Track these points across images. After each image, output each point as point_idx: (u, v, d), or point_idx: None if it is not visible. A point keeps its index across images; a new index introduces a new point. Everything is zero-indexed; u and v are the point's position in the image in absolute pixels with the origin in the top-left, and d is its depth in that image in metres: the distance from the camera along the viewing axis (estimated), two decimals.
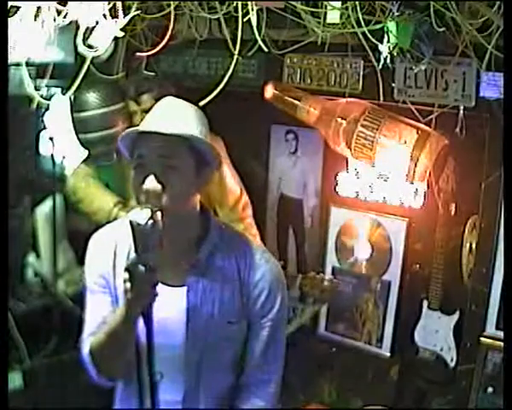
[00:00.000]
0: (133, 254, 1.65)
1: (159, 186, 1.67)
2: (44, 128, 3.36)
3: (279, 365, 1.88)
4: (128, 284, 1.59)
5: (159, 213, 1.62)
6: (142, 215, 1.60)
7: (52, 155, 3.25)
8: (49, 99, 3.11)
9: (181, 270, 1.78)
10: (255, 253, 1.83)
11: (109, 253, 1.83)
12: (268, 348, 1.83)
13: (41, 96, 2.98)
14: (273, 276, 1.82)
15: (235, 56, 2.50)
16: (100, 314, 1.81)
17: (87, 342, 1.82)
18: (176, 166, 1.68)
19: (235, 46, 2.48)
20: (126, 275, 1.60)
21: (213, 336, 1.77)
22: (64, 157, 3.29)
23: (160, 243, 1.62)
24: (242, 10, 2.38)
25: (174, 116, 1.73)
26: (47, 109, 3.30)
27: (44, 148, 3.34)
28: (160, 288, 1.69)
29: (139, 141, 1.71)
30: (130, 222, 1.59)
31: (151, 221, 1.59)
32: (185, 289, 1.77)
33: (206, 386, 1.81)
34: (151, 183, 1.67)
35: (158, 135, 1.66)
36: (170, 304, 1.76)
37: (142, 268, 1.58)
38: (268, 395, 1.86)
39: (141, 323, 1.67)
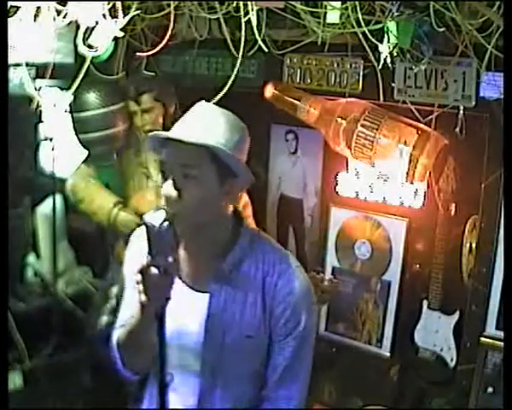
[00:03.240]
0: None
1: (174, 193, 1.64)
2: (44, 128, 3.36)
3: (303, 384, 1.79)
4: (141, 287, 1.57)
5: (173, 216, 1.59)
6: (156, 217, 1.59)
7: (52, 156, 3.25)
8: (49, 99, 3.11)
9: (207, 276, 1.75)
10: (286, 267, 1.74)
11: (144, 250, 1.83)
12: (291, 365, 1.74)
13: (41, 97, 2.98)
14: (301, 293, 1.72)
15: (239, 59, 2.50)
16: (130, 309, 1.78)
17: (116, 333, 1.82)
18: (195, 175, 1.64)
19: (235, 46, 2.49)
20: (139, 277, 1.57)
21: (230, 348, 1.72)
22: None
23: (175, 246, 1.60)
24: (242, 10, 2.38)
25: (200, 124, 1.67)
26: (47, 109, 3.29)
27: (44, 148, 3.34)
28: (186, 292, 1.72)
29: (163, 145, 1.69)
30: (145, 224, 1.58)
31: (166, 223, 1.58)
32: (208, 295, 1.74)
33: (221, 394, 1.77)
34: (168, 188, 1.65)
35: (179, 142, 1.63)
36: (193, 309, 1.75)
37: (155, 271, 1.56)
38: None
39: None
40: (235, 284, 1.73)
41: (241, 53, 2.49)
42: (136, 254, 1.80)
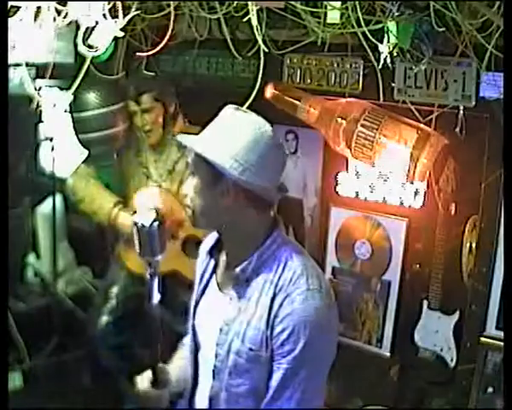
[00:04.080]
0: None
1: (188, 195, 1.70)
2: (44, 128, 3.36)
3: None
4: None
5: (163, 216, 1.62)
6: (146, 217, 1.59)
7: (52, 156, 3.25)
8: (49, 99, 3.11)
9: (230, 280, 1.75)
10: (298, 287, 1.64)
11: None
12: (283, 390, 1.65)
13: (41, 97, 2.98)
14: (303, 318, 1.61)
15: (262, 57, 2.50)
16: None
17: None
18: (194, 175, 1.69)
19: (235, 46, 2.49)
20: None
21: (236, 356, 1.70)
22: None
23: (164, 246, 1.62)
24: (242, 10, 2.38)
25: (222, 140, 1.65)
26: (47, 109, 3.30)
27: (44, 148, 3.34)
28: (215, 291, 1.77)
29: None
30: (135, 223, 1.59)
31: (156, 223, 1.58)
32: (228, 299, 1.75)
33: (226, 401, 1.76)
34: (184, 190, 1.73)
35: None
36: (217, 309, 1.77)
37: None
38: None
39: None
40: (249, 294, 1.70)
41: (238, 51, 2.49)
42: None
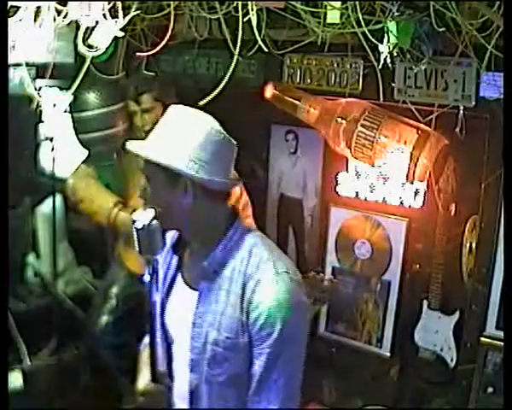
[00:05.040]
0: None
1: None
2: (44, 128, 3.36)
3: (282, 397, 1.72)
4: None
5: (162, 214, 1.64)
6: (145, 216, 1.61)
7: (52, 156, 3.25)
8: (49, 99, 3.11)
9: (198, 274, 1.79)
10: (268, 272, 1.71)
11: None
12: (267, 376, 1.70)
13: (41, 97, 2.98)
14: (277, 300, 1.67)
15: (235, 57, 2.50)
16: None
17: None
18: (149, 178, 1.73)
19: (235, 46, 2.48)
20: None
21: (214, 347, 1.74)
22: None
23: (163, 244, 1.66)
24: (242, 10, 2.38)
25: (171, 141, 1.70)
26: (47, 109, 3.30)
27: (44, 148, 3.34)
28: (183, 287, 1.79)
29: None
30: (134, 222, 1.61)
31: (154, 222, 1.60)
32: (197, 293, 1.78)
33: (207, 390, 1.79)
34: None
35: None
36: (186, 305, 1.79)
37: None
38: None
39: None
40: (219, 284, 1.75)
41: (237, 51, 2.48)
42: None
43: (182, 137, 1.69)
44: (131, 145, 1.74)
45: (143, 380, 1.85)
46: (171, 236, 1.87)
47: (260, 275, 1.70)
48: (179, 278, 1.84)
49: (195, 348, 1.76)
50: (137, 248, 1.67)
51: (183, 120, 1.73)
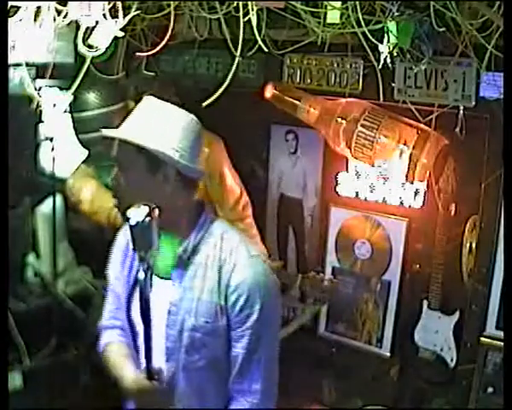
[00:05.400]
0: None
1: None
2: (44, 128, 3.36)
3: (264, 376, 1.79)
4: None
5: (156, 211, 1.65)
6: (139, 212, 1.62)
7: (52, 156, 3.25)
8: (49, 99, 3.11)
9: (168, 263, 1.82)
10: (242, 255, 1.78)
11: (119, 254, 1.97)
12: (250, 357, 1.77)
13: (41, 97, 2.98)
14: (255, 282, 1.74)
15: (237, 58, 2.50)
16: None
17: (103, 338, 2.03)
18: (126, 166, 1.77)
19: (235, 46, 2.48)
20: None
21: (191, 333, 1.78)
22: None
23: (157, 240, 1.67)
24: (242, 10, 2.38)
25: (155, 126, 1.75)
26: (47, 109, 3.29)
27: (44, 148, 3.34)
28: (156, 280, 1.78)
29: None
30: (128, 219, 1.62)
31: (148, 218, 1.62)
32: (170, 282, 1.82)
33: (184, 377, 1.82)
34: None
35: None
36: (160, 294, 1.80)
37: None
38: (254, 405, 1.80)
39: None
40: (193, 271, 1.79)
41: (238, 52, 2.48)
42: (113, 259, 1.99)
43: (164, 125, 1.74)
44: (111, 132, 1.79)
45: (133, 375, 1.82)
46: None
47: (235, 259, 1.77)
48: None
49: (171, 336, 1.80)
50: (132, 245, 1.68)
51: (163, 109, 1.78)
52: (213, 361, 1.81)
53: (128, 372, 1.84)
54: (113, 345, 1.99)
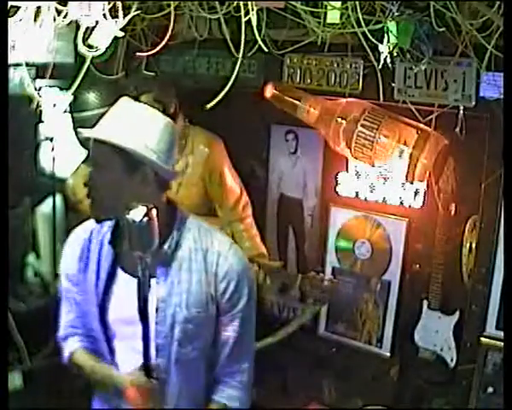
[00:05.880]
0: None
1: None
2: (44, 128, 3.36)
3: (251, 355, 1.94)
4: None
5: (154, 211, 1.65)
6: (137, 213, 1.62)
7: (52, 156, 3.25)
8: (49, 99, 3.11)
9: (152, 263, 1.78)
10: (224, 245, 1.86)
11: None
12: (241, 338, 1.87)
13: (41, 97, 2.98)
14: (241, 268, 1.85)
15: (239, 59, 2.50)
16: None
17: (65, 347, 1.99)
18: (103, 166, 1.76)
19: (235, 46, 2.48)
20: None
21: (184, 325, 1.80)
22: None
23: (155, 240, 1.66)
24: (242, 10, 2.38)
25: (132, 126, 1.75)
26: (47, 109, 3.30)
27: (44, 148, 3.34)
28: (129, 279, 1.79)
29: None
30: (126, 219, 1.62)
31: (146, 219, 1.62)
32: (154, 281, 1.80)
33: (178, 372, 1.85)
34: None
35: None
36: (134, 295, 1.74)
37: None
38: (243, 384, 1.91)
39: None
40: (178, 266, 1.82)
41: (240, 53, 2.48)
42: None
43: (141, 127, 1.75)
44: (89, 131, 1.77)
45: (129, 373, 1.79)
46: (105, 230, 1.88)
47: (217, 248, 1.83)
48: (119, 273, 1.85)
49: (161, 333, 1.81)
50: (129, 245, 1.68)
51: (140, 110, 1.80)
52: (204, 350, 1.87)
53: (112, 372, 1.85)
54: (78, 352, 1.95)
